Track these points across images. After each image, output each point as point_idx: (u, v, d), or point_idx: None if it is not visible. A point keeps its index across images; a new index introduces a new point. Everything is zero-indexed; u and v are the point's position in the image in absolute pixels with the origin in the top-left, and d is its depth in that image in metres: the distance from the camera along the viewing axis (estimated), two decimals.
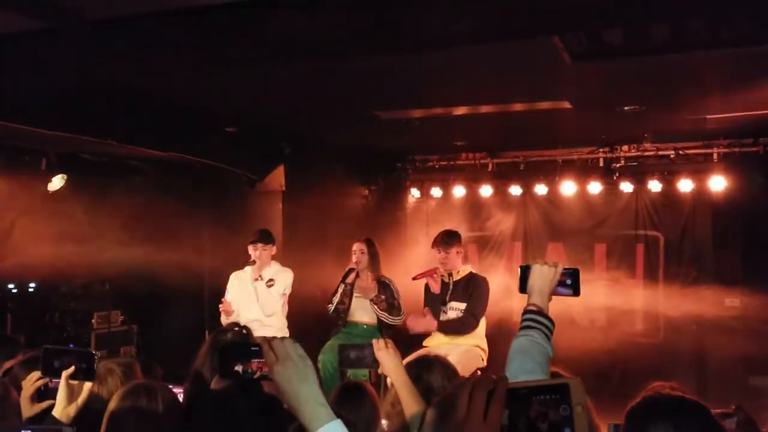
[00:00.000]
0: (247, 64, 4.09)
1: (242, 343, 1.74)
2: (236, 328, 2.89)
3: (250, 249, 5.85)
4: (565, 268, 2.26)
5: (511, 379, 1.96)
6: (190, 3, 2.96)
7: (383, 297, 5.79)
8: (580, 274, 2.28)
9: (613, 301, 7.74)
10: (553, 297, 2.24)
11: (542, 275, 2.20)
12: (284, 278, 5.94)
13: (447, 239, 5.65)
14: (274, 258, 5.99)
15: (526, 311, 2.13)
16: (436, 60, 4.56)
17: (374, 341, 2.99)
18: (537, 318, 2.09)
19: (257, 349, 1.57)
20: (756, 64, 4.78)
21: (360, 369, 2.92)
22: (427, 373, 2.77)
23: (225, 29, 3.37)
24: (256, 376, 1.63)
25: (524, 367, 1.96)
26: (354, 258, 5.89)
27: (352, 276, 5.88)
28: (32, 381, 2.74)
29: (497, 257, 8.57)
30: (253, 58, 3.94)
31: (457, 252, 5.64)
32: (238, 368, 1.64)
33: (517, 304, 6.02)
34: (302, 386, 1.48)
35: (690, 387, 7.74)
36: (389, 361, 2.81)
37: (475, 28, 3.41)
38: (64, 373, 2.58)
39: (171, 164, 7.18)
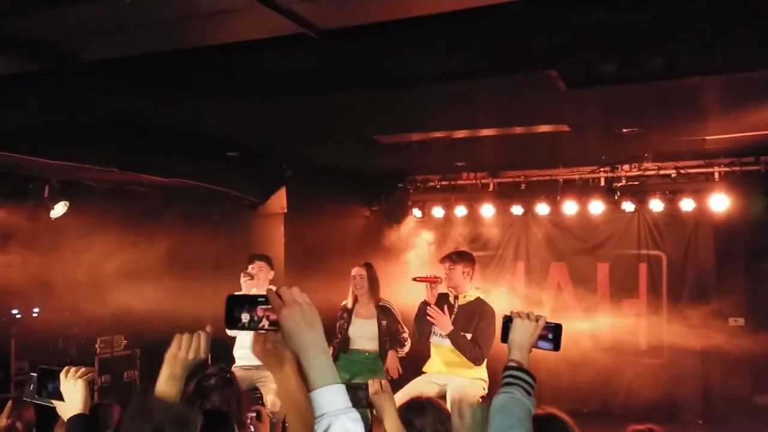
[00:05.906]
0: (239, 103, 4.13)
1: (248, 295, 1.73)
2: (221, 373, 2.89)
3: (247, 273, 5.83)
4: (547, 323, 2.24)
5: None
6: (179, 46, 3.00)
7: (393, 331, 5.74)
8: (562, 329, 2.26)
9: (616, 321, 7.71)
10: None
11: (522, 330, 2.19)
12: None
13: (457, 255, 5.50)
14: (273, 283, 5.96)
15: (506, 368, 2.13)
16: (433, 89, 4.58)
17: (370, 382, 2.99)
18: (517, 374, 2.09)
19: (264, 300, 1.58)
20: (752, 89, 4.78)
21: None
22: (420, 417, 2.77)
23: (214, 70, 3.41)
24: (261, 325, 1.60)
25: (504, 424, 1.98)
26: (354, 283, 5.81)
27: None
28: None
29: (500, 277, 8.56)
30: (244, 98, 3.98)
31: (464, 272, 5.40)
32: (244, 317, 1.61)
33: None
34: (308, 330, 1.51)
35: (695, 407, 7.74)
36: (384, 404, 2.83)
37: (464, 66, 3.43)
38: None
39: (173, 189, 7.22)
